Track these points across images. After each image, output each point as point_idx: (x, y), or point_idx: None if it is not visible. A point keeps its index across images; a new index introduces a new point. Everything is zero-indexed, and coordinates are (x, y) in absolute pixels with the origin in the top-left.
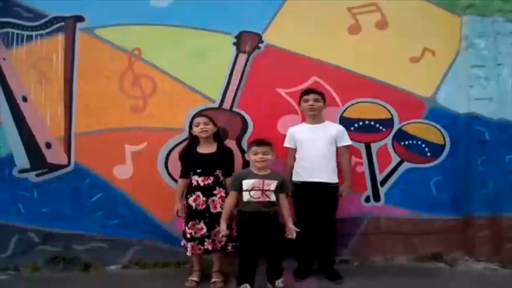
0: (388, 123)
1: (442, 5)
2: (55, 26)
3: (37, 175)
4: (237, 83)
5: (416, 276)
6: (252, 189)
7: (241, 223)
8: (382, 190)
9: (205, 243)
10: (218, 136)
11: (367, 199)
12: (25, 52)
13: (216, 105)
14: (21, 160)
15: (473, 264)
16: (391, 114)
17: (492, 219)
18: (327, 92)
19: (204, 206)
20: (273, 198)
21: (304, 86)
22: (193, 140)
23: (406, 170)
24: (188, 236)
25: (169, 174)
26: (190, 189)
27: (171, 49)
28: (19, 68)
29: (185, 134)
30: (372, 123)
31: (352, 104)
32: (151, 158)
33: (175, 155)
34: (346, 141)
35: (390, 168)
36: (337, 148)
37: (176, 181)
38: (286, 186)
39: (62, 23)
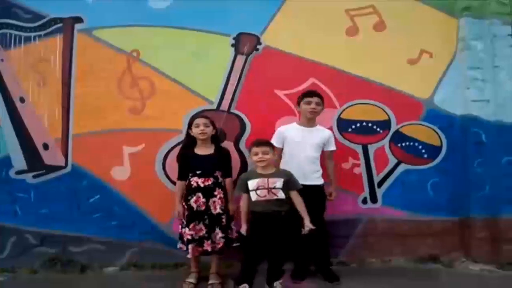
0: (385, 124)
1: (439, 8)
2: (53, 27)
3: (34, 177)
4: (235, 84)
5: (414, 278)
6: (258, 188)
7: (252, 223)
8: (379, 192)
9: (204, 245)
10: (216, 138)
11: (364, 201)
12: (23, 53)
13: (214, 106)
14: (18, 161)
15: (470, 266)
16: (388, 116)
17: (489, 221)
18: (324, 94)
19: (204, 207)
20: (281, 195)
21: (302, 87)
22: (190, 141)
23: (403, 172)
24: (190, 237)
25: (167, 176)
26: (190, 191)
27: (169, 50)
28: (17, 69)
29: (183, 136)
30: (370, 124)
31: (350, 106)
32: (149, 160)
33: (173, 156)
34: (333, 146)
35: (387, 170)
36: (323, 152)
37: (174, 182)
38: (294, 182)
39: (60, 24)
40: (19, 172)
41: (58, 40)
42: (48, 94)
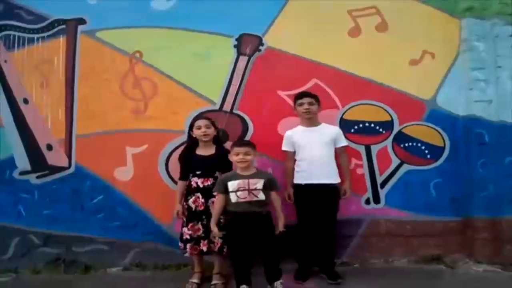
0: (388, 125)
1: (441, 8)
2: (56, 29)
3: (38, 177)
4: (238, 85)
5: (416, 278)
6: (238, 190)
7: (230, 224)
8: (382, 192)
9: (201, 244)
10: (217, 139)
11: (367, 201)
12: (27, 54)
13: (216, 107)
14: (22, 162)
15: (473, 266)
16: (391, 116)
17: (492, 221)
18: (327, 94)
19: (203, 208)
20: (261, 196)
21: (304, 88)
22: (192, 142)
23: (406, 172)
24: (188, 237)
25: (170, 176)
26: (190, 191)
27: (172, 51)
28: (21, 70)
29: (186, 137)
30: (372, 125)
31: (352, 106)
32: (152, 160)
33: (175, 157)
34: (343, 142)
35: (390, 170)
36: (335, 149)
37: (176, 183)
38: (274, 184)
39: (64, 26)
40: (23, 173)
41: (61, 42)
42: (52, 95)
